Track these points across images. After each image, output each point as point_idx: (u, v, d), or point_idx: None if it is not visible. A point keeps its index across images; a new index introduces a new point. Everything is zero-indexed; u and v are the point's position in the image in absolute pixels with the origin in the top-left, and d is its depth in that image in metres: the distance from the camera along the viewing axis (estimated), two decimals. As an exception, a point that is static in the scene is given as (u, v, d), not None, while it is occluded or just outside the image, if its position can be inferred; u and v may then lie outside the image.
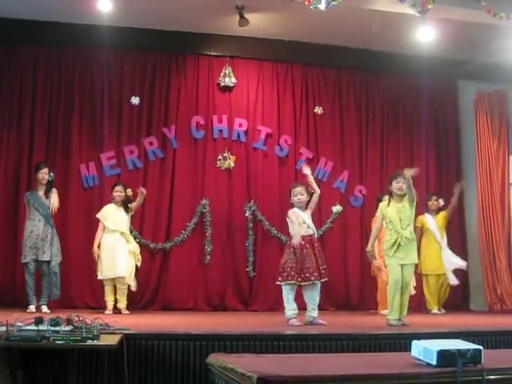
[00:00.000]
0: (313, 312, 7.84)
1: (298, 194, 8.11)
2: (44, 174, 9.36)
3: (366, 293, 10.90)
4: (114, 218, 9.48)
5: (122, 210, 9.56)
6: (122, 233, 9.44)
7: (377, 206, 9.70)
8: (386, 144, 11.79)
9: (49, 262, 9.12)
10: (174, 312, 10.01)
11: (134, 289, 9.51)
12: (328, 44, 11.14)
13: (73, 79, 10.68)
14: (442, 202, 10.82)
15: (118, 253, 9.34)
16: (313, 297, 7.85)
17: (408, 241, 7.88)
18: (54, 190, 9.41)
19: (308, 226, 7.97)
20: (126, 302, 9.33)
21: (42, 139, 10.41)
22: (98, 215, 9.53)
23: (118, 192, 9.58)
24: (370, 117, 11.81)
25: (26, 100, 10.45)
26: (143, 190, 9.61)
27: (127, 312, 9.18)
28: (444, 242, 10.71)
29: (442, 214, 10.80)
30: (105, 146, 10.62)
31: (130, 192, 9.80)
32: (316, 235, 8.04)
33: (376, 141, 11.75)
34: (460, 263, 10.66)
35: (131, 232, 9.79)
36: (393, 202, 8.06)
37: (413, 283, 8.97)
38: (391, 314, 7.84)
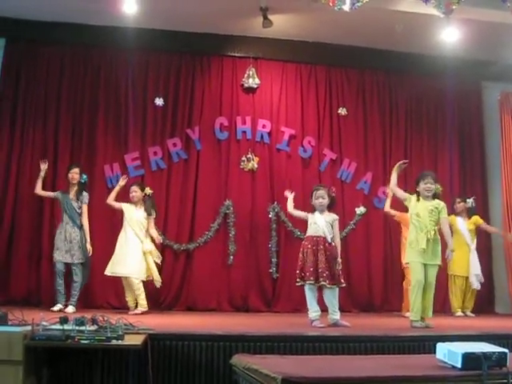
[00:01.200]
0: (334, 314, 7.83)
1: (320, 197, 8.08)
2: (74, 174, 9.43)
3: (389, 294, 10.86)
4: (131, 217, 9.50)
5: (140, 211, 9.53)
6: (136, 233, 9.45)
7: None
8: (410, 145, 11.74)
9: (76, 264, 9.17)
10: (197, 312, 10.03)
11: (158, 285, 9.52)
12: (351, 45, 11.14)
13: (98, 81, 10.76)
14: (470, 203, 10.71)
15: (128, 252, 9.35)
16: (329, 299, 7.84)
17: (434, 240, 7.85)
18: (85, 194, 9.48)
19: (318, 227, 7.96)
20: (143, 303, 9.28)
21: (66, 140, 10.50)
22: (123, 204, 9.60)
23: (133, 192, 9.58)
24: (394, 118, 11.78)
25: (51, 101, 10.55)
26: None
27: (139, 311, 9.12)
28: (473, 245, 10.62)
29: (475, 218, 10.71)
30: (129, 147, 10.68)
31: (148, 190, 9.69)
32: (328, 240, 7.92)
33: (400, 142, 11.71)
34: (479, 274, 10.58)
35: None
36: (422, 200, 8.06)
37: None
38: (413, 315, 7.82)
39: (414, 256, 7.95)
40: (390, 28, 9.93)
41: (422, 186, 8.08)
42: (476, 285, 10.47)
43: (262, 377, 4.13)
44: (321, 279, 7.70)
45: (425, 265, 7.86)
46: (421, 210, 7.99)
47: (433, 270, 7.92)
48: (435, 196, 8.14)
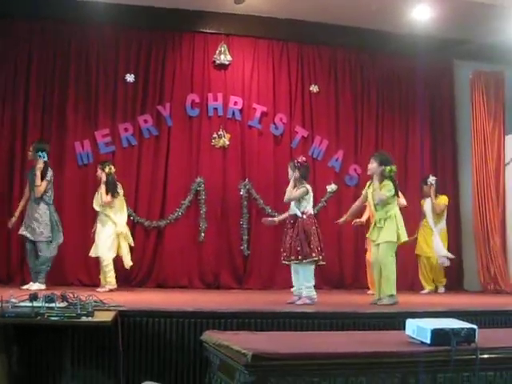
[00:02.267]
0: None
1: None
2: (28, 152, 9.39)
3: (359, 272, 10.90)
4: (97, 199, 9.43)
5: (101, 191, 9.38)
6: (105, 214, 9.38)
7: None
8: (382, 123, 11.76)
9: (41, 241, 9.07)
10: (168, 290, 10.02)
11: (127, 267, 9.49)
12: (323, 22, 11.09)
13: (68, 56, 10.60)
14: (429, 182, 10.73)
15: (98, 233, 9.32)
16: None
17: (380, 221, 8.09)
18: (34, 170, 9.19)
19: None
20: (110, 280, 9.23)
21: (36, 117, 10.37)
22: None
23: (97, 173, 9.53)
24: (366, 96, 11.78)
25: (21, 76, 10.39)
26: None
27: (107, 289, 9.01)
28: (438, 227, 10.68)
29: (442, 198, 10.76)
30: (100, 124, 10.60)
31: (108, 169, 9.39)
32: (296, 216, 8.00)
33: (371, 120, 11.73)
34: (446, 254, 10.65)
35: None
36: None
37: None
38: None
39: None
40: (362, 5, 9.92)
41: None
42: (445, 263, 10.58)
43: (232, 353, 4.13)
44: (320, 257, 7.86)
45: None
46: (369, 193, 8.24)
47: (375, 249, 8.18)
48: (384, 177, 8.14)
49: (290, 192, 8.05)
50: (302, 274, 7.89)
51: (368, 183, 8.39)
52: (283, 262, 8.01)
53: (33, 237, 9.04)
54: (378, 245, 8.07)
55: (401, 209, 8.44)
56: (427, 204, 10.71)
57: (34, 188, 9.11)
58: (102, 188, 9.32)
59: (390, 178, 8.12)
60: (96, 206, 9.38)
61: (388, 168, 8.09)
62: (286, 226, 8.10)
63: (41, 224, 9.06)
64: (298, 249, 7.76)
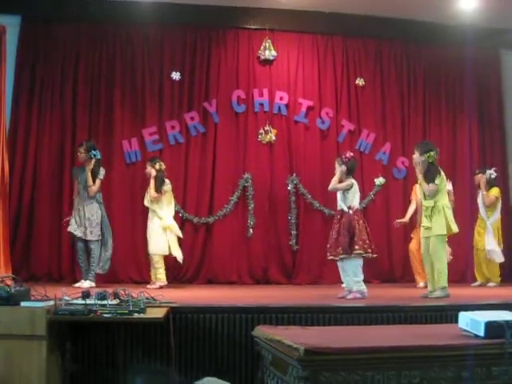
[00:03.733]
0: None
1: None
2: (78, 152, 9.43)
3: (409, 265, 10.81)
4: (146, 196, 9.54)
5: (151, 187, 9.47)
6: (152, 210, 9.48)
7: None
8: (429, 115, 11.64)
9: (93, 241, 9.17)
10: (218, 285, 10.08)
11: (179, 260, 9.54)
12: (368, 15, 11.01)
13: (114, 56, 10.70)
14: (489, 174, 10.54)
15: (149, 230, 9.43)
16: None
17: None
18: (86, 170, 9.29)
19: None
20: (161, 277, 9.31)
21: (84, 117, 10.48)
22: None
23: (146, 170, 9.63)
24: (412, 88, 11.67)
25: (68, 78, 10.51)
26: None
27: (157, 286, 9.11)
28: (490, 220, 10.51)
29: (493, 190, 10.56)
30: (147, 122, 10.67)
31: (159, 166, 9.54)
32: (343, 211, 8.04)
33: (418, 112, 11.61)
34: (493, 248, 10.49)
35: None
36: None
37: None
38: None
39: None
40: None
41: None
42: (495, 258, 10.40)
43: (284, 348, 4.13)
44: (370, 250, 7.92)
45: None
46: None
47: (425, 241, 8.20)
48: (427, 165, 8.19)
49: (335, 182, 8.07)
50: (349, 268, 7.88)
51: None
52: (328, 257, 8.01)
53: (84, 236, 9.14)
54: (428, 238, 8.02)
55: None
56: (479, 196, 10.55)
57: (85, 187, 9.20)
58: (151, 183, 9.40)
59: (431, 164, 8.09)
60: (146, 203, 9.47)
61: (426, 155, 8.05)
62: (333, 221, 8.11)
63: (92, 223, 9.15)
64: (343, 244, 7.76)
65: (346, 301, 7.53)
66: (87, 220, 9.14)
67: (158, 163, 9.52)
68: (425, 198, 8.15)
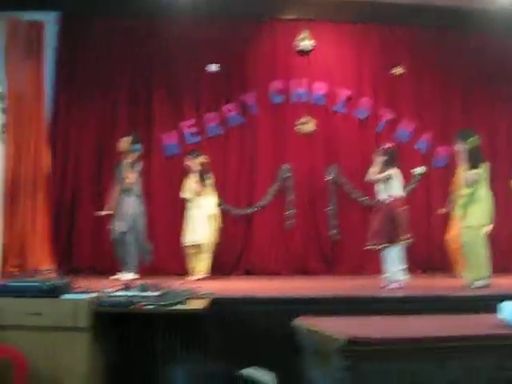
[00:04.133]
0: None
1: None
2: (123, 143, 9.48)
3: (449, 255, 10.73)
4: (186, 188, 9.57)
5: (193, 178, 9.56)
6: (194, 201, 9.51)
7: None
8: (469, 103, 11.49)
9: (129, 232, 9.24)
10: (257, 276, 10.09)
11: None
12: (406, 3, 10.89)
13: (151, 49, 10.73)
14: None
15: (194, 220, 9.45)
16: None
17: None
18: (125, 163, 9.42)
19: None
20: (204, 268, 9.37)
21: (124, 110, 10.56)
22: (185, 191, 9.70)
23: (187, 162, 9.68)
24: (451, 76, 11.53)
25: (106, 73, 10.57)
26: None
27: (201, 276, 9.20)
28: None
29: None
30: (185, 115, 10.71)
31: (202, 159, 9.70)
32: (382, 201, 8.07)
33: (458, 100, 11.49)
34: None
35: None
36: None
37: None
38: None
39: None
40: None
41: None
42: None
43: (325, 338, 4.14)
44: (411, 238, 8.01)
45: None
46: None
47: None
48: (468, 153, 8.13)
49: (374, 173, 8.06)
50: (389, 257, 7.86)
51: None
52: (369, 246, 8.01)
53: (119, 228, 9.23)
54: (466, 228, 7.97)
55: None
56: None
57: (123, 180, 9.27)
58: (193, 177, 9.44)
59: (474, 150, 8.01)
60: (186, 195, 9.50)
61: (468, 140, 7.98)
62: (374, 210, 8.10)
63: (125, 215, 9.23)
64: (384, 233, 7.74)
65: (387, 291, 7.51)
66: (122, 213, 9.22)
67: (201, 156, 9.59)
68: (464, 186, 8.08)
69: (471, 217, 7.91)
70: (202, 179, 9.54)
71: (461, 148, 8.08)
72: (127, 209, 9.23)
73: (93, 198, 10.30)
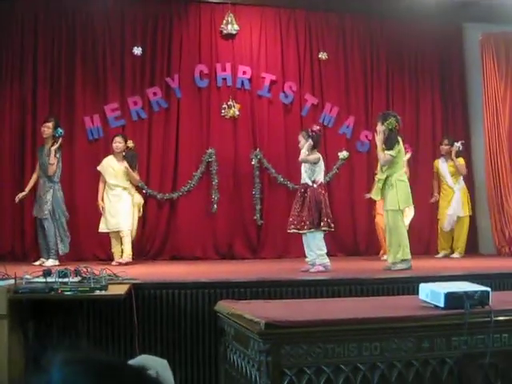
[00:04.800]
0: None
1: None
2: (45, 128, 9.19)
3: (373, 238, 10.89)
4: (112, 172, 9.36)
5: (122, 163, 9.41)
6: (123, 187, 9.39)
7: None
8: (392, 89, 11.68)
9: (46, 219, 9.08)
10: (182, 261, 10.05)
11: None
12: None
13: (74, 31, 10.52)
14: (458, 147, 10.62)
15: (119, 207, 9.30)
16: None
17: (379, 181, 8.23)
18: (46, 148, 9.18)
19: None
20: (129, 252, 9.28)
21: (45, 92, 10.34)
22: (99, 167, 9.45)
23: (117, 143, 9.39)
24: (375, 61, 11.68)
25: (28, 52, 10.32)
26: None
27: (123, 261, 9.07)
28: (456, 186, 10.60)
29: (461, 159, 10.66)
30: (109, 98, 10.55)
31: (130, 143, 9.62)
32: (307, 185, 8.09)
33: (381, 86, 11.64)
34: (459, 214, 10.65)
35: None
36: None
37: None
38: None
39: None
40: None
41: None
42: (445, 225, 10.51)
43: (245, 322, 4.13)
44: (332, 225, 7.97)
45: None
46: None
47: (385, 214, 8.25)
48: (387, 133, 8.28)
49: (305, 154, 8.07)
50: (313, 242, 7.92)
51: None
52: (290, 230, 8.05)
53: (39, 214, 9.08)
54: (387, 211, 8.12)
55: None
56: (441, 164, 10.62)
57: (44, 165, 9.09)
58: (121, 161, 9.34)
59: (391, 131, 8.13)
60: (113, 180, 9.36)
61: (386, 122, 8.10)
62: (297, 194, 8.13)
63: (43, 201, 9.07)
64: (309, 218, 7.79)
65: (309, 274, 7.57)
66: (39, 198, 9.07)
67: (130, 140, 9.52)
68: (381, 170, 8.20)
69: (389, 200, 8.05)
70: (131, 164, 9.41)
71: (379, 129, 8.19)
72: (47, 194, 9.06)
73: (14, 183, 10.07)
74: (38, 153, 9.33)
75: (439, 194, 10.64)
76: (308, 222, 7.82)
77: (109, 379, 1.24)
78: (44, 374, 1.18)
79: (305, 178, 8.06)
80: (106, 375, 1.25)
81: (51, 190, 9.09)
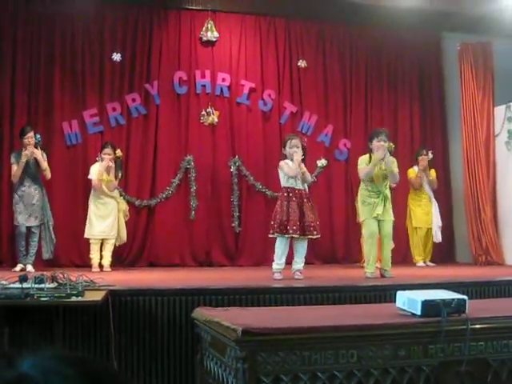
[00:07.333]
0: (294, 264, 7.90)
1: (294, 146, 8.02)
2: (29, 139, 9.02)
3: (351, 246, 10.92)
4: (103, 179, 9.36)
5: (108, 171, 9.35)
6: (110, 196, 9.36)
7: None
8: (370, 97, 11.72)
9: (38, 226, 9.03)
10: (160, 268, 10.00)
11: (117, 244, 9.49)
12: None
13: (53, 35, 10.44)
14: (430, 155, 10.74)
15: (107, 215, 9.31)
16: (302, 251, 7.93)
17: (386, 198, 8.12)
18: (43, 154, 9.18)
19: (297, 180, 7.93)
20: (110, 260, 9.28)
21: (23, 97, 10.24)
22: (90, 176, 9.43)
23: (107, 155, 9.36)
24: (354, 70, 11.72)
25: (6, 57, 10.24)
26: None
27: (109, 269, 9.13)
28: (432, 197, 10.74)
29: (433, 171, 10.77)
30: (87, 104, 10.50)
31: (119, 153, 9.57)
32: (305, 191, 8.02)
33: (360, 94, 11.68)
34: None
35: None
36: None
37: None
38: (368, 266, 8.03)
39: (367, 214, 8.11)
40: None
41: (375, 144, 8.13)
42: (438, 239, 10.61)
43: (222, 329, 4.12)
44: (308, 232, 7.81)
45: (379, 220, 8.05)
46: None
47: (387, 224, 8.12)
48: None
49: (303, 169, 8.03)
50: (295, 249, 7.94)
51: None
52: (316, 235, 8.03)
53: (29, 222, 9.02)
54: (363, 220, 8.36)
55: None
56: (423, 175, 10.68)
57: (37, 173, 9.07)
58: (112, 171, 9.33)
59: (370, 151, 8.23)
60: (105, 188, 9.36)
61: (389, 144, 8.25)
62: (299, 201, 7.99)
63: (37, 208, 9.02)
64: (297, 224, 7.77)
65: (287, 281, 7.54)
66: (30, 205, 9.01)
67: (117, 149, 9.52)
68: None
69: (390, 211, 8.19)
70: (119, 173, 9.43)
71: (384, 145, 8.18)
72: (34, 200, 9.02)
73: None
74: (12, 159, 9.20)
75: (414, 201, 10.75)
76: (294, 228, 7.77)
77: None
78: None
79: (303, 185, 8.03)
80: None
81: (42, 196, 9.07)
